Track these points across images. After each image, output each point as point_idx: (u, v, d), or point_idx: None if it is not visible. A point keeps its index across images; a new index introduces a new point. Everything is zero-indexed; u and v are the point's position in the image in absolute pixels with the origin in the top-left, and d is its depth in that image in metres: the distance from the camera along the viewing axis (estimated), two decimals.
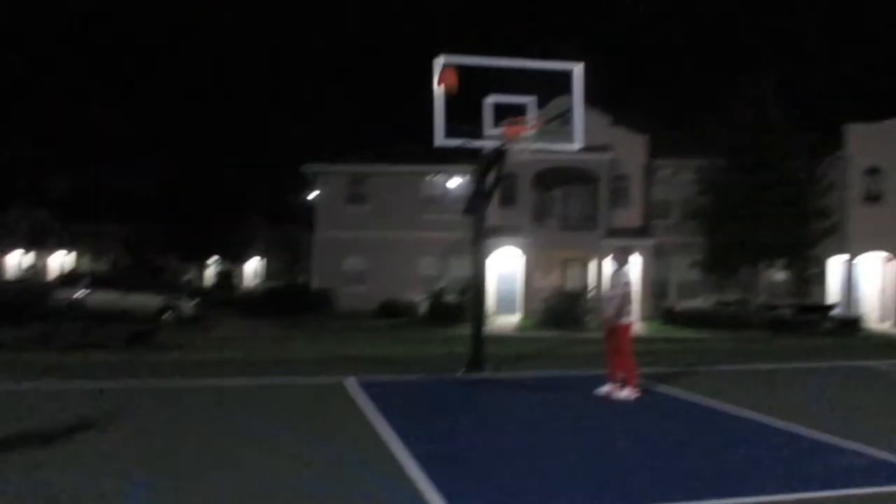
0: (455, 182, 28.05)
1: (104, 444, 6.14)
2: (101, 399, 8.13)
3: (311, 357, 12.86)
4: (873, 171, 24.91)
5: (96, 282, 23.13)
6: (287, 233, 64.75)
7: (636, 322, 8.82)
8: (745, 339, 18.64)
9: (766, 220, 22.29)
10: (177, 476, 5.25)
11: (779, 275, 25.92)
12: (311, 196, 32.13)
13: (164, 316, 21.84)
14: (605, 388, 8.62)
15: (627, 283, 8.64)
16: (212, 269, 57.60)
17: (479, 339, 10.59)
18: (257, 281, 66.33)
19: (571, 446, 6.39)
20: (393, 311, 24.89)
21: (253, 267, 69.53)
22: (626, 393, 8.42)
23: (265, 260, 68.49)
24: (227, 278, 56.46)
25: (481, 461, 5.82)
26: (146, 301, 22.01)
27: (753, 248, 22.68)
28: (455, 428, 7.14)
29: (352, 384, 9.37)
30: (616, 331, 8.60)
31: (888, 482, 5.27)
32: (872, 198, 25.00)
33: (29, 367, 10.78)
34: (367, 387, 9.18)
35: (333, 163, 28.91)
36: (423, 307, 24.62)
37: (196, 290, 35.31)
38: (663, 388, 9.36)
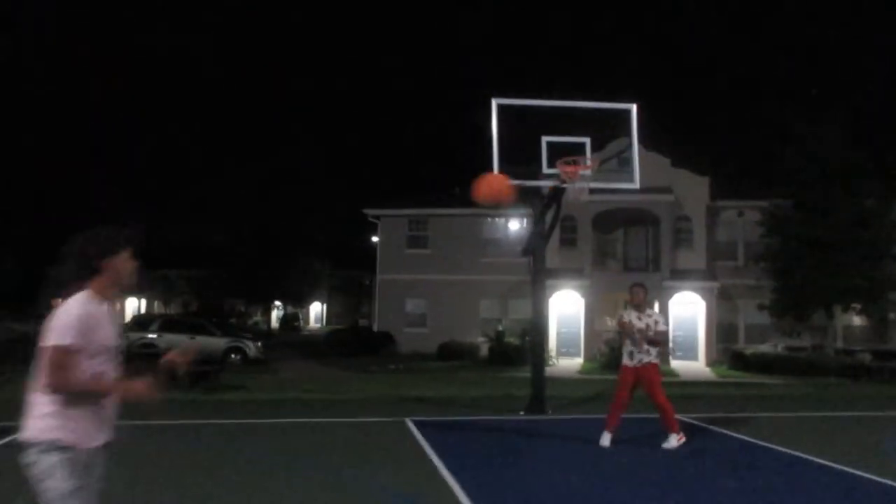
0: (514, 224, 28.10)
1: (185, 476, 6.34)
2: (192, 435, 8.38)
3: (372, 397, 12.94)
4: None
5: (166, 325, 23.92)
6: (349, 276, 65.89)
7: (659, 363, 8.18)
8: (821, 385, 17.83)
9: (839, 263, 21.44)
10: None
11: (855, 319, 24.82)
12: (372, 240, 32.66)
13: (231, 357, 22.35)
14: (672, 442, 7.89)
15: (621, 318, 8.07)
16: (277, 313, 58.88)
17: (540, 380, 10.48)
18: (320, 324, 67.47)
19: (638, 492, 6.23)
20: (453, 353, 24.83)
21: (316, 310, 70.81)
22: (674, 442, 7.81)
23: (328, 303, 69.71)
24: (292, 321, 57.68)
25: (541, 499, 5.73)
26: (213, 343, 22.59)
27: (827, 291, 21.80)
28: (512, 469, 7.06)
29: (411, 424, 9.38)
30: (650, 372, 7.88)
31: None
32: None
33: None
34: (426, 426, 9.17)
35: (393, 207, 29.38)
36: (484, 349, 24.51)
37: (261, 333, 36.18)
38: (736, 433, 9.04)
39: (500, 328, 25.23)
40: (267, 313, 53.87)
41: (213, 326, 24.11)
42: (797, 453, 7.80)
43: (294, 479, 6.32)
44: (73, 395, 2.89)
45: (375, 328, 29.19)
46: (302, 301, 58.50)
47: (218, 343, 22.73)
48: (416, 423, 9.38)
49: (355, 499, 5.76)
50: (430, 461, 7.12)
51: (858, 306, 22.62)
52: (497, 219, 28.24)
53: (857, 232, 21.34)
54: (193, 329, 23.48)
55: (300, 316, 62.44)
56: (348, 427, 9.35)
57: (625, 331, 7.90)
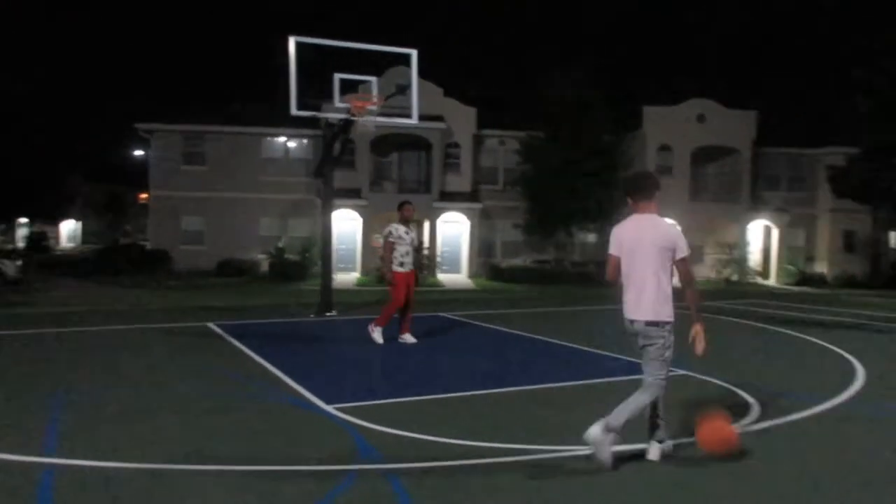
0: (293, 144, 28.76)
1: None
2: None
3: (166, 307, 13.57)
4: (664, 148, 28.85)
5: None
6: (110, 192, 61.33)
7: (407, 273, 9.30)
8: (555, 289, 21.43)
9: (578, 189, 25.26)
10: (97, 390, 6.28)
11: (589, 237, 29.33)
12: (139, 154, 31.19)
13: None
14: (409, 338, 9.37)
15: (386, 236, 9.28)
16: (22, 231, 53.55)
17: (327, 287, 11.97)
18: (74, 243, 62.40)
19: (400, 360, 8.04)
20: (233, 270, 25.37)
21: (69, 228, 65.19)
22: (375, 332, 9.11)
23: (83, 221, 64.38)
24: (40, 240, 52.79)
25: (338, 371, 7.32)
26: None
27: (567, 212, 25.65)
28: (314, 352, 8.58)
29: (214, 327, 10.43)
30: (413, 276, 9.31)
31: (634, 373, 7.43)
32: (664, 171, 28.95)
33: None
34: (229, 328, 10.30)
35: (168, 122, 28.43)
36: (264, 266, 25.41)
37: (7, 252, 33.14)
38: (487, 325, 11.33)
39: (281, 245, 26.19)
40: (11, 231, 48.74)
41: None
42: (533, 335, 10.22)
43: (138, 367, 7.23)
44: (691, 288, 4.54)
45: (149, 246, 28.55)
46: (54, 218, 53.65)
47: None
48: (219, 326, 10.47)
49: (199, 376, 6.87)
50: (243, 351, 8.38)
51: (591, 225, 26.89)
52: (278, 138, 28.65)
53: (593, 162, 25.23)
54: None
55: (49, 234, 57.19)
56: (157, 331, 10.16)
57: (386, 247, 9.20)
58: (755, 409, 5.89)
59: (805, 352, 9.44)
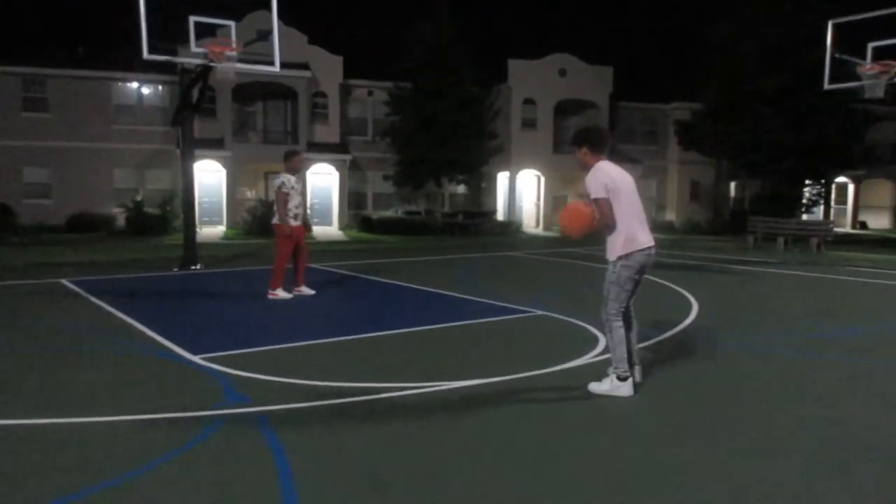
0: (148, 91, 27.11)
1: None
2: None
3: (11, 265, 12.63)
4: (528, 102, 29.69)
5: None
6: None
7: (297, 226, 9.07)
8: (425, 240, 21.85)
9: (447, 140, 25.58)
10: None
11: (458, 188, 29.91)
12: None
13: None
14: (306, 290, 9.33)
15: (279, 187, 8.88)
16: None
17: (191, 240, 11.61)
18: None
19: (268, 312, 8.06)
20: (86, 225, 23.84)
21: None
22: (278, 293, 8.91)
23: None
24: None
25: (204, 324, 7.24)
26: None
27: (436, 164, 25.95)
28: (178, 306, 8.38)
29: (69, 283, 9.90)
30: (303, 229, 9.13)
31: (494, 315, 7.87)
32: (528, 124, 29.85)
33: None
34: (87, 284, 9.82)
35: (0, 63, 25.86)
36: (121, 220, 24.09)
37: None
38: (356, 274, 11.45)
39: (139, 198, 24.87)
40: None
41: None
42: (403, 283, 10.47)
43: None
44: None
45: None
46: None
47: None
48: (75, 283, 9.95)
49: (55, 334, 6.55)
50: (102, 307, 8.05)
51: (460, 177, 27.40)
52: (131, 84, 26.88)
53: (460, 114, 25.57)
54: None
55: None
56: (4, 290, 9.50)
57: (280, 199, 8.81)
58: (601, 342, 6.44)
59: (649, 290, 10.30)
